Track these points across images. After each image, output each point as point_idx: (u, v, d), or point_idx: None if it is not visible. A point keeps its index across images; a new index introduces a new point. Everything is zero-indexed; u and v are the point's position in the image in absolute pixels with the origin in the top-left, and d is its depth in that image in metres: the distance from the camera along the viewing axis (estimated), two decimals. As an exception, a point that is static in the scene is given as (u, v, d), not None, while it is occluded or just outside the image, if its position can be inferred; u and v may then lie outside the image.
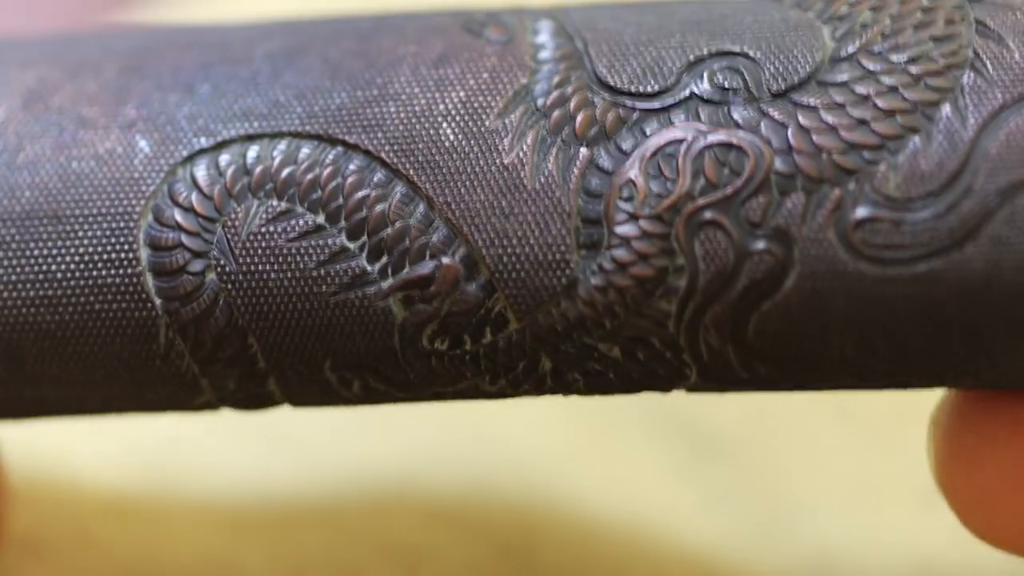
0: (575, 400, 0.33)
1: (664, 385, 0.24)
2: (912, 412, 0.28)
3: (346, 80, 0.24)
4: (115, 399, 0.25)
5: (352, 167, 0.23)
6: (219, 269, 0.23)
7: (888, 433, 0.32)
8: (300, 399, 0.24)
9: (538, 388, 0.24)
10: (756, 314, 0.23)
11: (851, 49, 0.23)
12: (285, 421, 0.31)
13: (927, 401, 0.25)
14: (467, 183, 0.23)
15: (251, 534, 0.31)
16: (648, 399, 0.33)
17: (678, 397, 0.33)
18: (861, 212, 0.22)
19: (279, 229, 0.23)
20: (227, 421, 0.31)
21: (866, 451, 0.32)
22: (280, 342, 0.24)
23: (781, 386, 0.24)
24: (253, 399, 0.24)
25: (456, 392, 0.24)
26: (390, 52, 0.24)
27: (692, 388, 0.24)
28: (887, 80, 0.23)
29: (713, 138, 0.23)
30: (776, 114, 0.23)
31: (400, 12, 0.25)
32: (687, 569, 0.30)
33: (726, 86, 0.23)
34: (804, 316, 0.23)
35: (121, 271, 0.24)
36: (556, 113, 0.23)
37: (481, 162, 0.23)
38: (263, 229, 0.23)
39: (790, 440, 0.33)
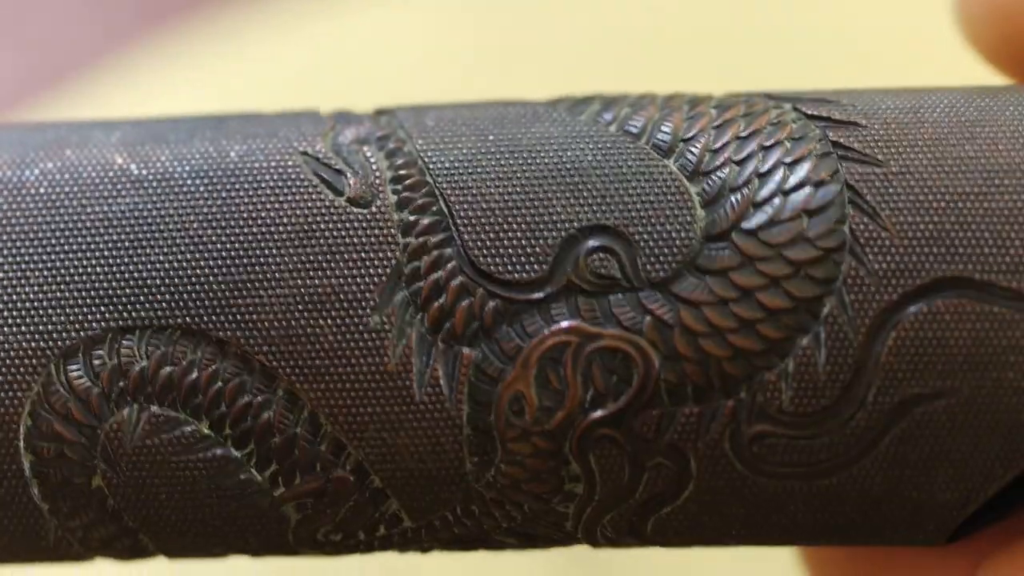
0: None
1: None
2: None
3: (212, 256, 0.23)
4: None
5: (231, 370, 0.23)
6: (105, 479, 0.23)
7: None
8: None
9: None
10: (654, 518, 0.23)
11: (724, 225, 0.22)
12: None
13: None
14: (351, 392, 0.22)
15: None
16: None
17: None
18: (756, 427, 0.22)
19: (164, 440, 0.23)
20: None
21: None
22: (172, 541, 0.24)
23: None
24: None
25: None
26: (252, 219, 0.23)
27: None
28: (766, 269, 0.22)
29: (599, 343, 0.22)
30: (658, 310, 0.22)
31: (237, 152, 0.24)
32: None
33: (604, 273, 0.22)
34: (702, 520, 0.23)
35: (7, 483, 0.23)
36: (433, 307, 0.22)
37: (364, 367, 0.22)
38: (147, 441, 0.23)
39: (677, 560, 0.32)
